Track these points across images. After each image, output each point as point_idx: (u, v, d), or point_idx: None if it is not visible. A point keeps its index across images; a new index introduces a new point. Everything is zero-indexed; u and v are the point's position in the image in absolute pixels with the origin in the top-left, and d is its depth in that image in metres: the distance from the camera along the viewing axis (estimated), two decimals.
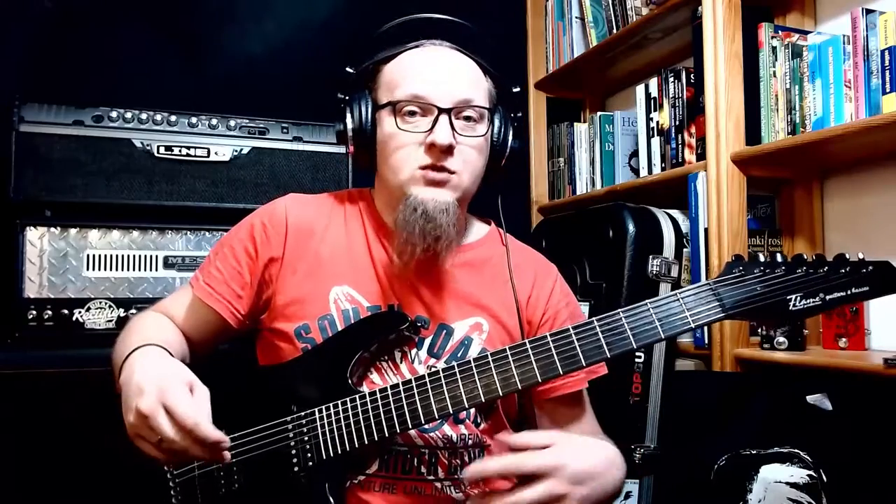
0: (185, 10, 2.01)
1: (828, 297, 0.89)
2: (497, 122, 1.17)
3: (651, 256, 1.60)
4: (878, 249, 1.54)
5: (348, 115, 1.14)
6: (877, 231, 1.56)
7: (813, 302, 0.90)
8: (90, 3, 1.90)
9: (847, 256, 0.91)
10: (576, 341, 0.95)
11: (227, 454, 0.90)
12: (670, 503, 1.46)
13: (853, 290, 0.89)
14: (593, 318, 0.96)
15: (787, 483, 1.20)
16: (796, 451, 1.21)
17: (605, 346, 0.94)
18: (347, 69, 1.17)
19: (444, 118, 1.08)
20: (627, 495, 1.55)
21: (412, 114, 1.10)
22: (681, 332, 0.95)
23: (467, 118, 1.12)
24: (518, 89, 1.21)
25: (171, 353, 1.03)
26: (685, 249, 1.67)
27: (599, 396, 1.27)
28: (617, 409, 1.54)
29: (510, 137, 1.18)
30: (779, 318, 0.92)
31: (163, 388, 0.89)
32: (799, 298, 0.90)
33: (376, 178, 1.21)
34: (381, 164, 1.15)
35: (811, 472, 1.19)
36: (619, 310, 0.96)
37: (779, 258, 0.93)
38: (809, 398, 1.26)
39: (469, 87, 1.13)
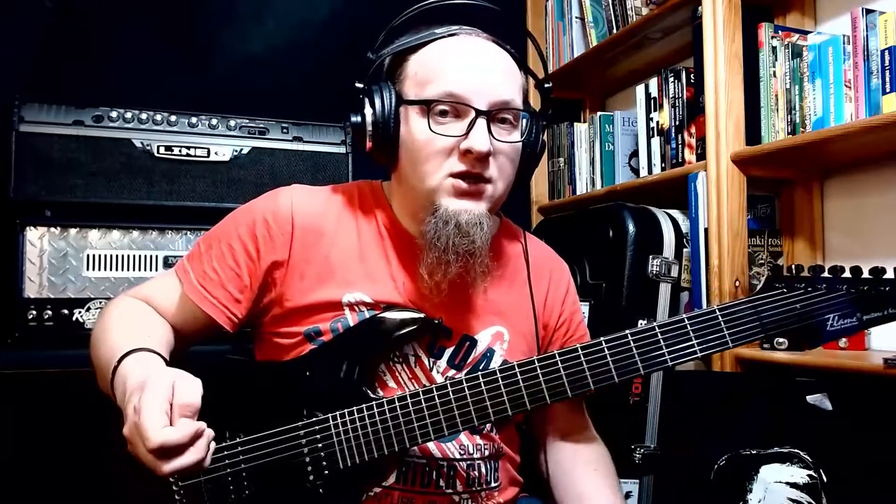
0: (186, 10, 2.01)
1: (865, 318, 0.87)
2: (528, 124, 1.07)
3: (651, 256, 1.60)
4: (878, 250, 1.54)
5: (367, 107, 1.02)
6: (877, 231, 1.56)
7: (850, 322, 0.87)
8: (90, 3, 1.90)
9: (885, 271, 0.87)
10: (608, 356, 0.91)
11: (203, 445, 0.80)
12: (670, 503, 1.46)
13: (890, 311, 0.86)
14: (626, 332, 0.92)
15: (787, 483, 1.20)
16: (796, 451, 1.21)
17: (639, 362, 0.90)
18: (369, 55, 1.05)
19: (481, 122, 0.98)
20: (628, 495, 1.55)
21: (443, 114, 1.00)
22: (719, 352, 0.91)
23: (503, 120, 1.02)
24: (550, 85, 1.10)
25: (164, 358, 0.95)
26: (685, 249, 1.66)
27: (599, 396, 1.27)
28: (617, 409, 1.54)
29: (542, 140, 1.10)
30: (816, 338, 0.89)
31: (138, 409, 0.79)
32: (837, 318, 0.87)
33: (394, 177, 1.11)
34: (407, 167, 1.04)
35: (811, 472, 1.19)
36: (655, 323, 0.92)
37: (819, 272, 0.88)
38: (809, 398, 1.25)
39: (507, 86, 1.02)
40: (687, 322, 0.90)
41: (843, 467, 1.17)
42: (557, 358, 0.92)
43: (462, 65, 1.01)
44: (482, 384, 0.93)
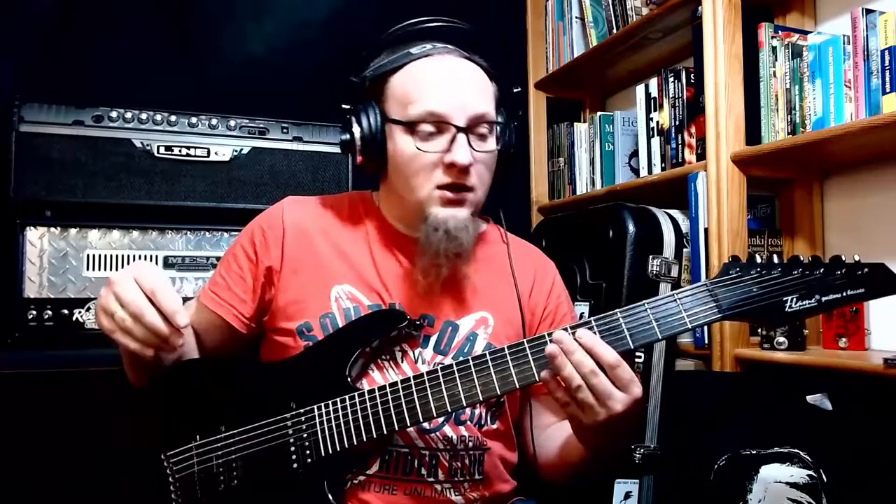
0: (186, 10, 2.01)
1: (823, 299, 0.90)
2: (503, 131, 1.16)
3: (651, 256, 1.59)
4: (878, 250, 1.54)
5: (355, 126, 1.12)
6: (877, 231, 1.56)
7: (809, 303, 0.91)
8: (90, 3, 1.90)
9: (843, 258, 0.91)
10: None
11: (181, 322, 0.94)
12: (670, 503, 1.46)
13: (849, 292, 0.90)
14: (591, 318, 0.97)
15: (787, 483, 1.20)
16: (796, 451, 1.21)
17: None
18: (351, 79, 1.15)
19: (461, 137, 1.08)
20: (627, 495, 1.55)
21: (427, 131, 1.09)
22: (678, 333, 0.96)
23: (480, 132, 1.11)
24: (519, 89, 1.21)
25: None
26: (685, 249, 1.66)
27: None
28: None
29: (513, 142, 1.19)
30: (775, 319, 0.92)
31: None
32: (795, 300, 0.91)
33: (383, 186, 1.21)
34: (396, 179, 1.14)
35: (811, 472, 1.19)
36: (617, 310, 0.96)
37: (775, 259, 0.93)
38: (809, 398, 1.25)
39: (482, 100, 1.12)
40: (647, 307, 0.95)
41: (843, 467, 1.17)
42: (526, 346, 0.97)
43: (440, 85, 1.10)
44: (455, 372, 0.99)
